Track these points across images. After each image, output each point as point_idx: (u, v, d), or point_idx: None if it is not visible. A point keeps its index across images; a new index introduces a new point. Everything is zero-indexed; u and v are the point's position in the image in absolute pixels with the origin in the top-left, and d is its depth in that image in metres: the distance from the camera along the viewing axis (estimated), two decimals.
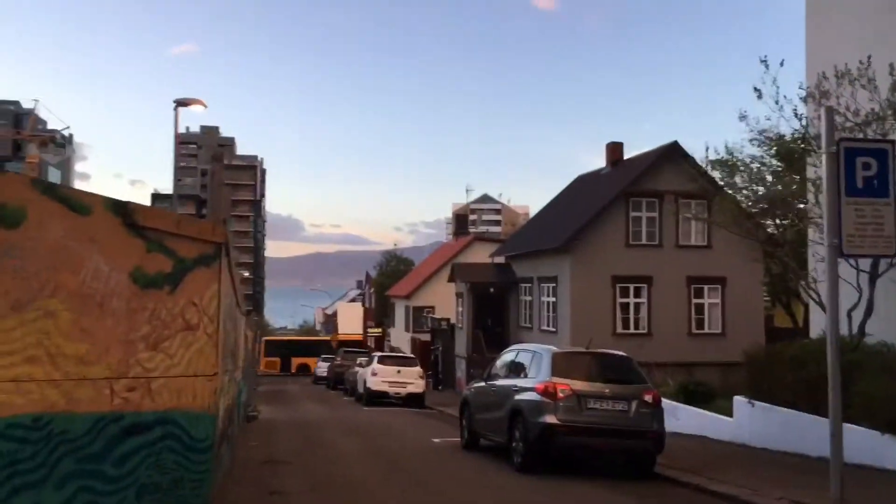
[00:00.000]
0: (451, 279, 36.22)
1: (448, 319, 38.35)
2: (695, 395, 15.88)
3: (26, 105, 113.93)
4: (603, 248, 25.77)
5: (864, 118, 10.93)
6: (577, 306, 25.40)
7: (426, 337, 41.76)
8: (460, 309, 34.21)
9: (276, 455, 12.35)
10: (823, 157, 8.09)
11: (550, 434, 10.46)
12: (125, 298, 6.20)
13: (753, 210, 23.27)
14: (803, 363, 11.76)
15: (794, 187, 15.40)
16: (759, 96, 11.42)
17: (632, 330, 25.70)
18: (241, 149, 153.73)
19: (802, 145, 24.10)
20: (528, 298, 29.66)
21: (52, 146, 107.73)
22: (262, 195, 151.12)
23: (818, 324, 13.60)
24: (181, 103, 16.60)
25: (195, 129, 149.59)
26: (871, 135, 10.93)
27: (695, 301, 26.30)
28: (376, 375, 26.24)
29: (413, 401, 25.96)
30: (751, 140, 11.99)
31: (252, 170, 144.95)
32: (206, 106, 17.32)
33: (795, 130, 11.89)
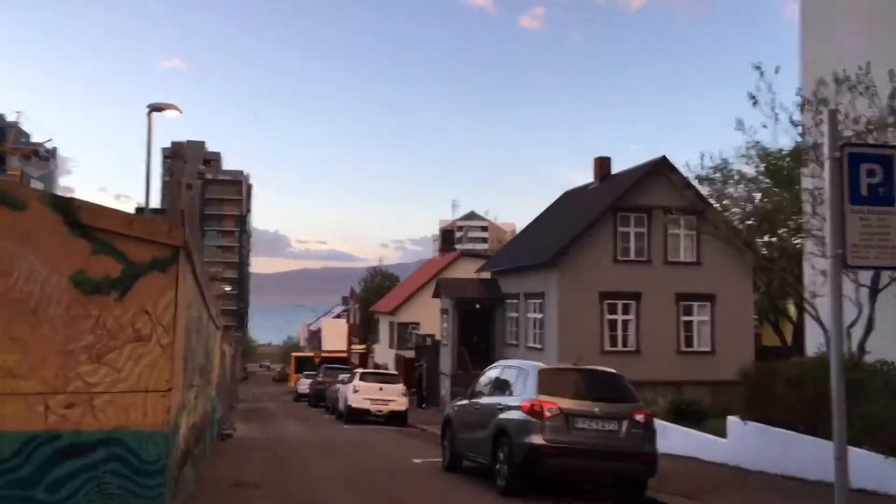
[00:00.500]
0: (436, 295, 35.62)
1: (433, 336, 37.71)
2: (685, 415, 15.34)
3: (10, 118, 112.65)
4: (591, 263, 25.29)
5: (864, 126, 10.50)
6: (565, 323, 24.86)
7: (411, 354, 41.07)
8: (445, 325, 33.59)
9: (246, 477, 11.65)
10: (826, 164, 7.57)
11: (536, 455, 9.86)
12: (65, 305, 5.58)
13: (745, 224, 22.92)
14: (802, 382, 11.23)
15: (784, 202, 15.02)
16: (755, 104, 10.99)
17: (620, 347, 25.19)
18: (228, 164, 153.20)
19: (789, 160, 23.94)
20: (515, 315, 29.11)
21: (36, 159, 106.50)
22: (248, 210, 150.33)
23: (815, 341, 13.11)
24: (155, 108, 15.99)
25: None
26: (872, 143, 10.49)
27: (684, 318, 25.84)
28: (357, 392, 25.55)
29: (395, 419, 25.27)
30: (747, 149, 11.52)
31: (238, 185, 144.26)
32: (180, 111, 16.63)
33: (793, 140, 11.44)
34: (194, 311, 9.14)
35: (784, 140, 11.29)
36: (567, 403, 10.08)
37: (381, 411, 25.35)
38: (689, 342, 25.91)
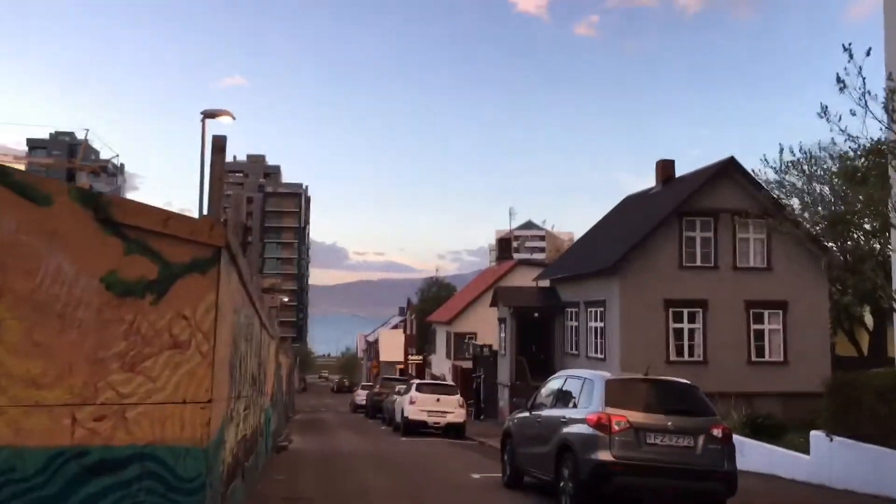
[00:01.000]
0: (493, 304, 34.96)
1: (490, 346, 37.01)
2: (761, 429, 14.36)
3: (79, 136, 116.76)
4: (654, 270, 24.30)
5: None
6: (627, 332, 23.92)
7: (468, 364, 40.42)
8: (503, 335, 32.88)
9: (299, 490, 11.25)
10: None
11: (605, 473, 9.14)
12: (95, 308, 5.17)
13: (821, 226, 21.67)
14: (895, 393, 10.24)
15: (861, 203, 13.99)
16: (842, 88, 10.05)
17: (686, 357, 24.09)
18: (287, 177, 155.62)
19: (865, 159, 22.58)
20: (575, 324, 28.24)
21: (104, 175, 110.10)
22: (307, 222, 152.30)
23: None
24: (209, 115, 15.83)
25: (242, 157, 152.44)
26: None
27: (754, 327, 24.58)
28: (414, 404, 25.01)
29: (452, 431, 24.65)
30: (832, 140, 10.57)
31: (297, 197, 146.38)
32: (234, 118, 16.40)
33: (881, 128, 10.45)
34: (241, 317, 8.75)
35: (874, 129, 10.30)
36: (637, 417, 9.34)
37: (438, 423, 24.77)
38: (759, 352, 24.63)
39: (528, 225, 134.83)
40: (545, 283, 32.78)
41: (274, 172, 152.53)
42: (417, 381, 31.26)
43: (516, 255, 64.28)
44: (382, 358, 70.93)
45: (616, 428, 9.23)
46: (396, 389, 31.24)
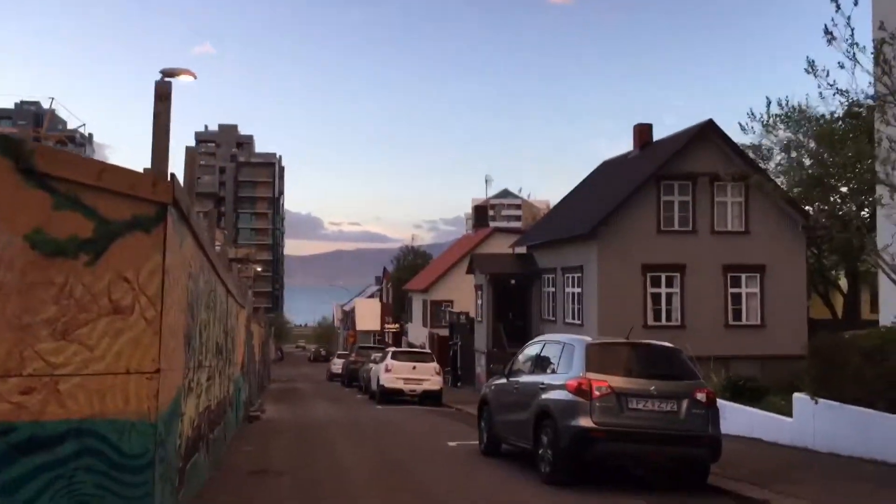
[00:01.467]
0: (469, 271, 34.57)
1: (467, 313, 36.72)
2: (743, 392, 14.11)
3: (46, 106, 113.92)
4: (632, 234, 23.97)
5: None
6: (605, 297, 23.64)
7: (444, 332, 40.14)
8: (480, 302, 32.55)
9: (268, 463, 10.80)
10: None
11: (585, 440, 8.79)
12: (18, 269, 4.57)
13: (799, 189, 21.47)
14: (882, 354, 9.97)
15: (836, 164, 13.67)
16: (830, 40, 9.60)
17: (664, 322, 23.90)
18: (260, 146, 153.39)
19: (841, 123, 22.26)
20: (552, 290, 27.93)
21: (71, 145, 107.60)
22: (281, 193, 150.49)
23: (893, 309, 11.79)
24: (168, 73, 14.89)
25: (213, 127, 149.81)
26: None
27: (731, 290, 24.42)
28: (390, 372, 24.65)
29: (429, 398, 24.36)
30: (820, 94, 10.14)
31: (270, 167, 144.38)
32: (195, 76, 15.49)
33: (870, 82, 10.02)
34: (200, 282, 8.19)
35: (863, 82, 9.86)
36: (619, 382, 8.97)
37: (414, 391, 24.45)
38: (737, 315, 24.51)
39: (505, 193, 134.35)
40: (522, 249, 32.41)
41: (247, 142, 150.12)
42: (393, 349, 30.90)
43: (493, 224, 63.90)
44: (359, 327, 70.54)
45: (597, 393, 8.86)
46: (372, 358, 30.86)
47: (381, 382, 24.81)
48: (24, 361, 4.49)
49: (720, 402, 13.44)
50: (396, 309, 60.83)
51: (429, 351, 29.29)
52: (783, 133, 13.25)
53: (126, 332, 5.17)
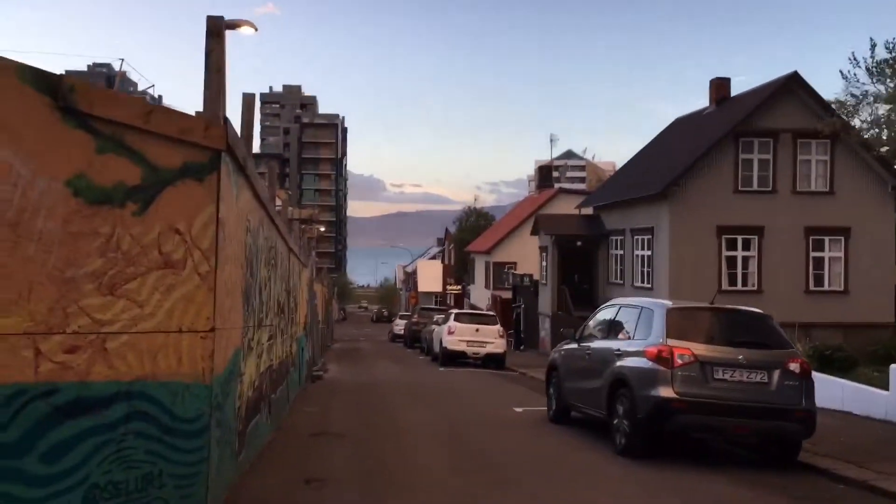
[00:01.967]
0: (533, 232, 33.83)
1: (531, 275, 36.05)
2: (831, 362, 13.19)
3: (117, 68, 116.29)
4: (707, 194, 22.86)
5: None
6: (677, 260, 22.69)
7: (507, 294, 39.61)
8: (544, 264, 31.86)
9: (330, 425, 10.55)
10: None
11: (665, 411, 8.18)
12: (60, 218, 4.18)
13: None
14: None
15: None
16: None
17: (739, 287, 22.85)
18: (323, 108, 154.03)
19: None
20: (620, 252, 27.05)
21: None
22: (344, 154, 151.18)
23: None
24: (227, 26, 14.50)
25: (278, 88, 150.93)
26: None
27: (813, 255, 23.17)
28: (453, 334, 24.29)
29: (492, 361, 23.95)
30: None
31: (333, 128, 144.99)
32: (255, 28, 15.02)
33: None
34: (260, 238, 7.81)
35: None
36: (703, 349, 8.30)
37: (477, 354, 24.08)
38: (818, 281, 23.28)
39: (569, 154, 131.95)
40: (588, 210, 31.50)
41: (310, 103, 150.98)
42: (456, 310, 30.54)
43: (557, 185, 62.66)
44: (421, 288, 70.60)
45: (679, 361, 8.21)
46: (435, 319, 30.59)
47: (444, 344, 24.51)
48: (68, 318, 4.15)
49: None
50: (458, 270, 60.51)
51: (492, 313, 28.78)
52: (889, 81, 12.02)
53: (178, 287, 4.79)
